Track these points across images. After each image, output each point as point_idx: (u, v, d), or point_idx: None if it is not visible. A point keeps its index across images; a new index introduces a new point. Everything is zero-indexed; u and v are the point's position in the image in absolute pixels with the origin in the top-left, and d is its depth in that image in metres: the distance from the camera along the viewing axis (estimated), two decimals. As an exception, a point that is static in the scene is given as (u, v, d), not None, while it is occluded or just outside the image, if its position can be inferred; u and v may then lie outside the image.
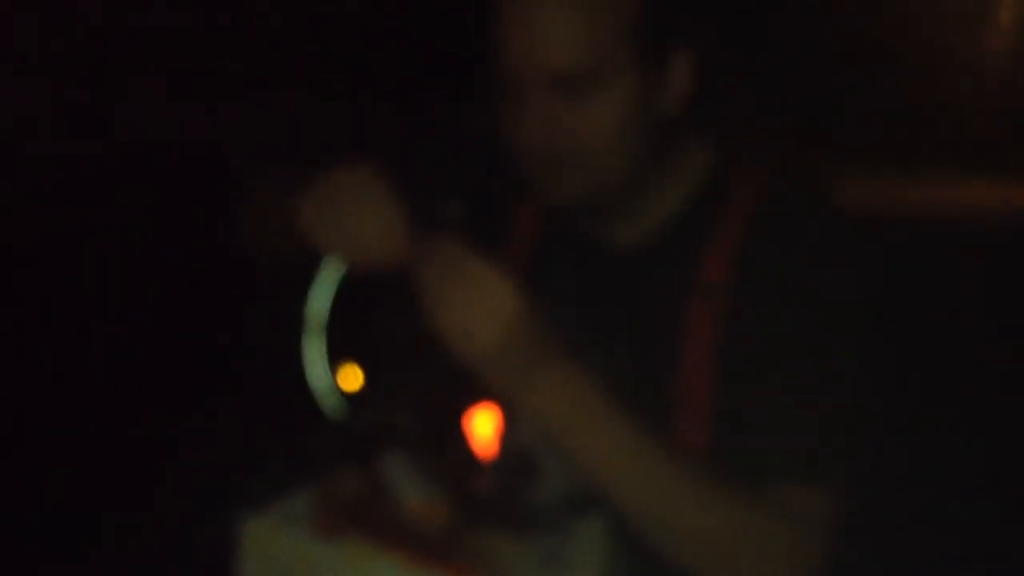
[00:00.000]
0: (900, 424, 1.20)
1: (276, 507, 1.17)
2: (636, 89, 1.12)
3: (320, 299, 1.16)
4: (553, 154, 1.13)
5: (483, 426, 1.18)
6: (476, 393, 1.18)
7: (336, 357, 1.30)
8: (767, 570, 1.08)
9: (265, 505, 1.16)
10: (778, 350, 1.11)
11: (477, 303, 0.98)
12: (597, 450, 1.05)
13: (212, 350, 3.88)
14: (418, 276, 1.02)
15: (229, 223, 1.29)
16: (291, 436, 1.18)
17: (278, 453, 1.16)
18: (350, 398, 1.26)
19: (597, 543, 1.09)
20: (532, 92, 1.11)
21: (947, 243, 5.43)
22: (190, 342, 3.95)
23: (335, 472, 1.19)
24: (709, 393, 1.15)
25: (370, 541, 1.12)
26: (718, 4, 1.33)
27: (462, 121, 1.39)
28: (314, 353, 1.24)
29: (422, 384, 1.24)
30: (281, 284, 1.17)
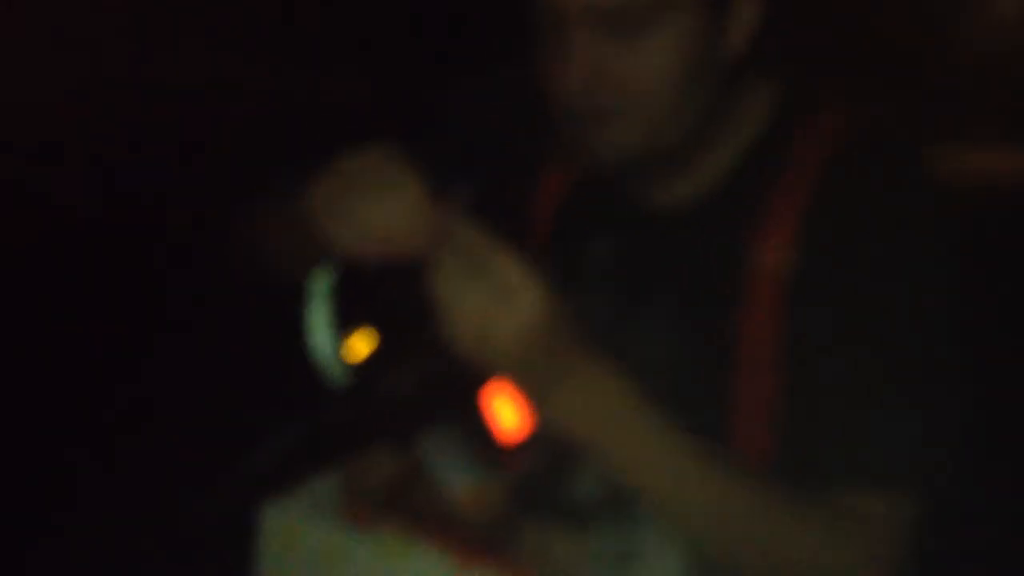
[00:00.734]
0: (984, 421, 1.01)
1: (299, 493, 1.04)
2: (698, 24, 0.95)
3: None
4: (601, 106, 0.96)
5: (503, 403, 1.05)
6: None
7: (345, 322, 1.19)
8: None
9: (287, 491, 1.02)
10: (856, 335, 0.95)
11: (495, 303, 0.83)
12: (641, 468, 0.91)
13: (216, 319, 3.76)
14: (431, 268, 0.86)
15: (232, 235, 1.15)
16: (315, 414, 1.04)
17: (299, 433, 1.02)
18: (359, 368, 1.14)
19: (669, 543, 0.94)
20: (576, 32, 0.94)
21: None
22: (191, 312, 3.83)
23: (365, 454, 1.06)
24: (772, 384, 0.98)
25: (406, 532, 0.99)
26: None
27: (485, 79, 1.23)
28: (319, 317, 1.14)
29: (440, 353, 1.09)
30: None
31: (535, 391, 0.88)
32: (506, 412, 0.99)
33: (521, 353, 0.84)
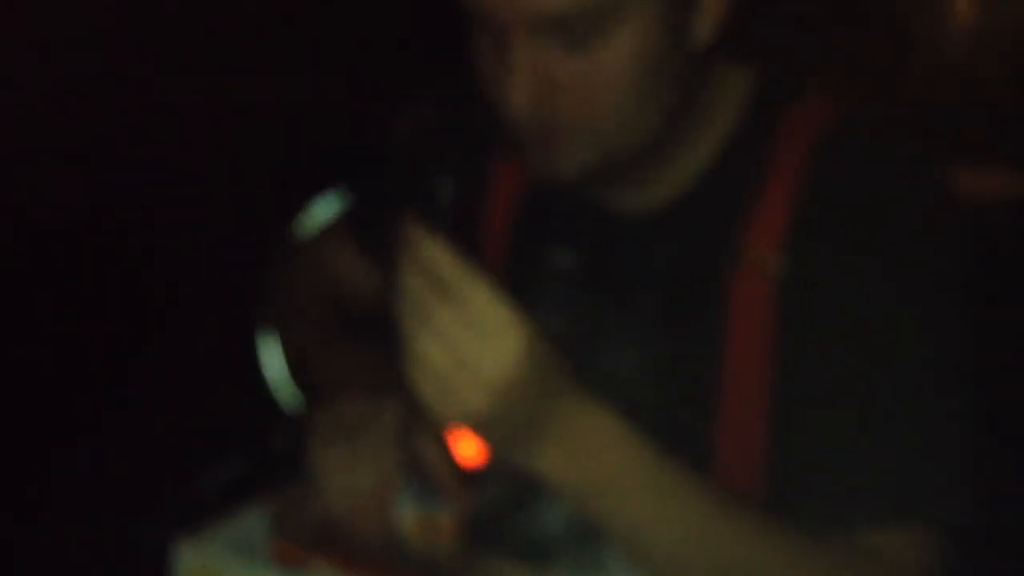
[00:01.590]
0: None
1: (218, 529, 0.91)
2: (656, 25, 0.85)
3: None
4: (552, 122, 0.87)
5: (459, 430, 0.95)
6: None
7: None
8: None
9: (206, 525, 0.90)
10: (861, 343, 0.86)
11: (465, 347, 0.72)
12: (634, 517, 0.82)
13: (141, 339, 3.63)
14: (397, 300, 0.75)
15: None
16: (241, 438, 0.94)
17: (224, 459, 0.91)
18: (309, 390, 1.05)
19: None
20: (518, 44, 0.84)
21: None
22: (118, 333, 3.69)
23: (296, 482, 0.95)
24: (761, 398, 0.89)
25: (341, 572, 0.88)
26: None
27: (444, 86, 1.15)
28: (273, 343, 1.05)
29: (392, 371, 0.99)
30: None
31: (509, 445, 0.79)
32: (462, 438, 0.90)
33: (492, 414, 0.74)
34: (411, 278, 0.73)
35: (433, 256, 0.72)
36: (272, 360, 1.02)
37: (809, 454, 0.85)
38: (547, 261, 0.99)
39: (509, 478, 0.90)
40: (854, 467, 0.84)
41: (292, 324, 1.13)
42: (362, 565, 0.88)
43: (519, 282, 0.99)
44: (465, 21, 0.91)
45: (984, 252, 0.89)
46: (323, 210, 1.22)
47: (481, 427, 0.76)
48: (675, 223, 0.96)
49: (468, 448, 0.90)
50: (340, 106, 4.63)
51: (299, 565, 0.89)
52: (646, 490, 0.80)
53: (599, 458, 0.79)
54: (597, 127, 0.88)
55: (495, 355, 0.72)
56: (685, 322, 0.93)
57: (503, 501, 0.91)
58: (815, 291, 0.87)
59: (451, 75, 1.11)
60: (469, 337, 0.72)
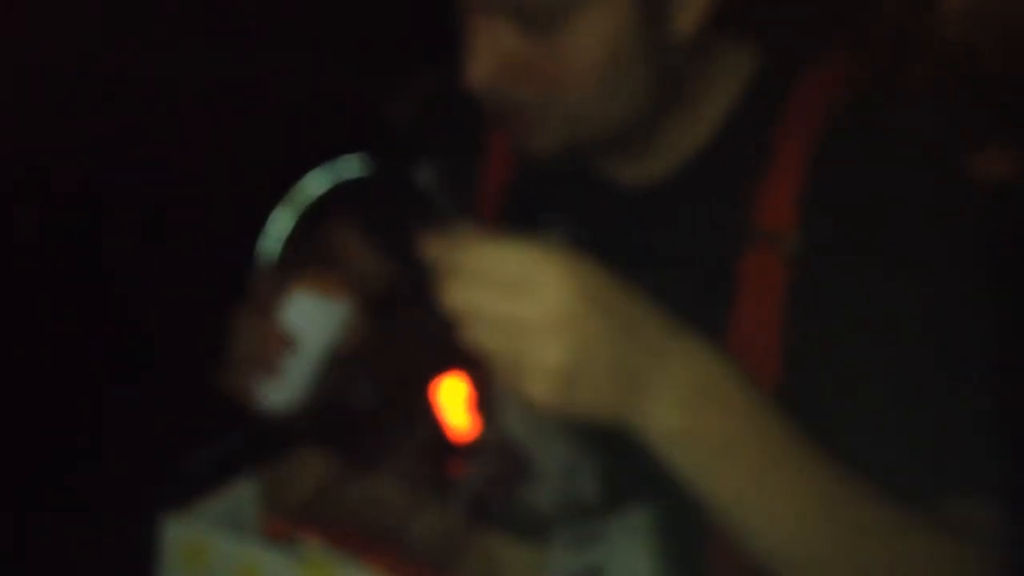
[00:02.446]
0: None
1: (207, 504, 0.90)
2: (629, 7, 0.81)
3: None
4: (517, 104, 0.85)
5: (452, 400, 0.93)
6: (446, 357, 0.94)
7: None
8: None
9: (194, 500, 0.88)
10: (877, 320, 0.82)
11: (518, 318, 0.66)
12: (764, 479, 0.72)
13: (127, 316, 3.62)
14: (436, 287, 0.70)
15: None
16: (227, 412, 0.92)
17: (211, 434, 0.89)
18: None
19: (640, 554, 0.82)
20: (480, 24, 0.83)
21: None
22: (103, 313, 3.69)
23: (285, 457, 0.93)
24: (771, 378, 0.85)
25: (331, 547, 0.85)
26: None
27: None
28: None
29: (381, 345, 0.98)
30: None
31: (613, 401, 0.68)
32: (456, 410, 0.88)
33: (572, 353, 0.65)
34: (446, 289, 0.68)
35: (447, 252, 0.69)
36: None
37: (826, 434, 0.78)
38: (542, 231, 0.96)
39: (503, 452, 0.88)
40: (884, 444, 0.79)
41: None
42: (349, 539, 0.86)
43: None
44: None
45: (991, 231, 0.86)
46: (315, 184, 1.20)
47: (574, 385, 0.66)
48: (676, 196, 0.93)
49: (461, 420, 0.89)
50: (340, 94, 4.64)
51: (287, 540, 0.87)
52: (765, 455, 0.72)
53: (719, 408, 0.70)
54: (562, 111, 0.85)
55: (545, 299, 0.66)
56: (689, 297, 0.89)
57: (497, 476, 0.89)
58: (828, 268, 0.83)
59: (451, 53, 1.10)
60: (516, 301, 0.66)
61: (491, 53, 0.83)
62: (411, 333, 0.95)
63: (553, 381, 0.65)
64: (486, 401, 0.88)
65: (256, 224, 0.99)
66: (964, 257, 0.84)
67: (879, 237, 0.83)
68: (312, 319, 0.90)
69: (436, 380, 0.91)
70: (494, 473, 0.89)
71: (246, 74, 5.30)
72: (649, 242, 0.93)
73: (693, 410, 0.69)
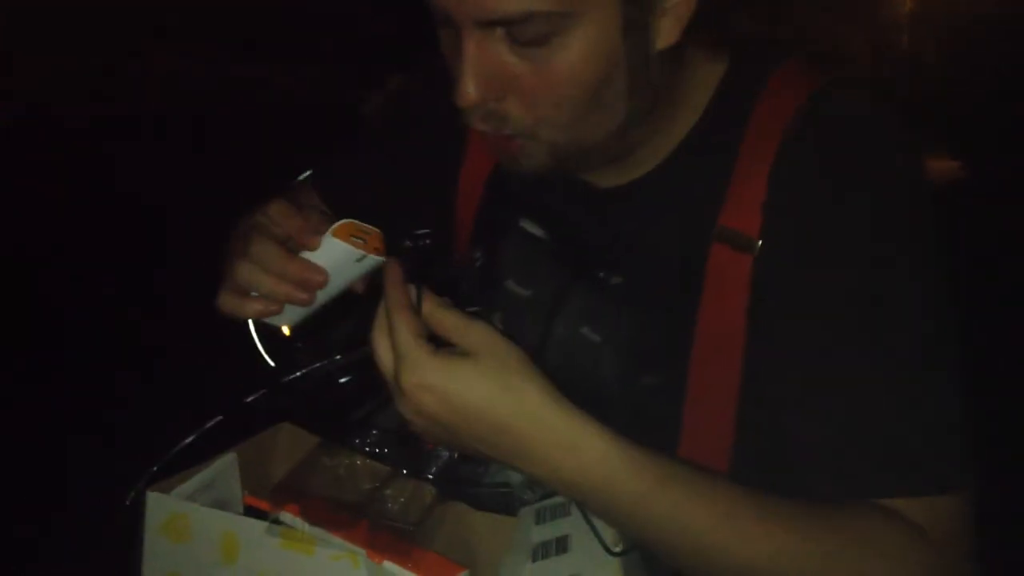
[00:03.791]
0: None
1: (188, 476, 0.91)
2: (616, 23, 0.83)
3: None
4: (506, 122, 0.87)
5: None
6: None
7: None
8: None
9: (175, 472, 0.90)
10: (840, 315, 0.84)
11: (398, 386, 0.80)
12: (650, 534, 0.80)
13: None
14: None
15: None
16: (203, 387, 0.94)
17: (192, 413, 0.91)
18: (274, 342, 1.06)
19: (604, 525, 0.86)
20: (467, 39, 0.83)
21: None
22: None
23: (262, 433, 0.96)
24: (734, 374, 0.88)
25: (310, 519, 0.88)
26: None
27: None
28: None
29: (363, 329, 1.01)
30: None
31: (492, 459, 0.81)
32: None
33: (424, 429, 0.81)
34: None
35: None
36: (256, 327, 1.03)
37: (793, 431, 0.84)
38: (516, 227, 1.00)
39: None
40: (847, 441, 0.82)
41: None
42: (325, 513, 0.89)
43: (488, 247, 1.01)
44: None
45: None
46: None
47: (435, 438, 0.84)
48: (648, 198, 0.96)
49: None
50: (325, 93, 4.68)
51: (266, 514, 0.90)
52: (647, 506, 0.77)
53: (589, 476, 0.77)
54: (548, 131, 0.87)
55: (415, 386, 0.78)
56: (655, 295, 0.93)
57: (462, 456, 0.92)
58: (790, 265, 0.86)
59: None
60: (401, 367, 0.79)
61: (482, 69, 0.83)
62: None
63: (417, 427, 0.81)
64: None
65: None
66: (918, 253, 0.86)
67: (837, 236, 0.85)
68: (341, 268, 0.91)
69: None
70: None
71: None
72: (621, 240, 0.96)
73: (564, 479, 0.78)
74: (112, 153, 5.07)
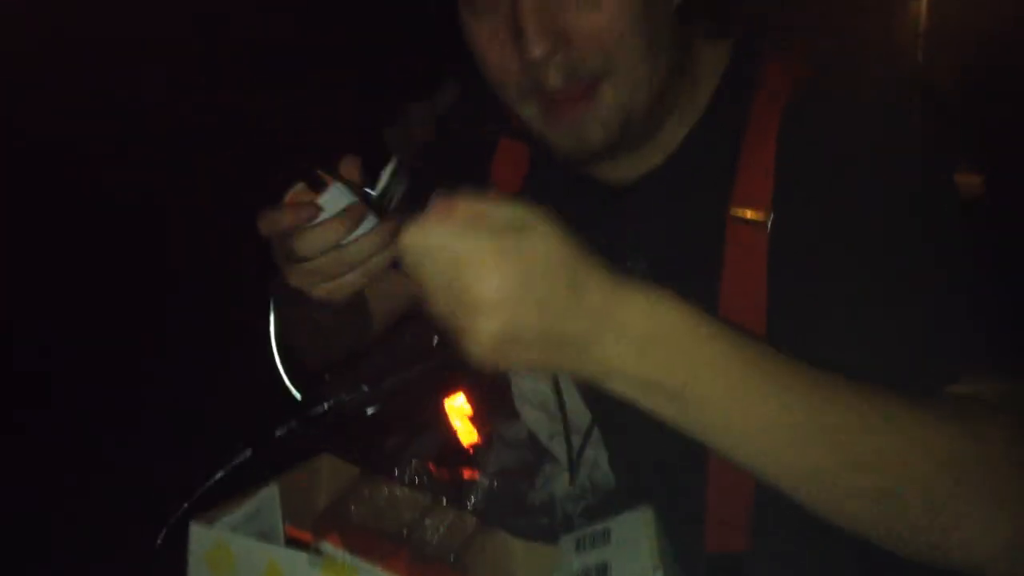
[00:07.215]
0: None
1: (231, 507, 0.92)
2: None
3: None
4: (574, 69, 0.89)
5: (457, 411, 0.98)
6: (453, 373, 0.98)
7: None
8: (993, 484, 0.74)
9: (217, 506, 0.92)
10: (861, 254, 0.85)
11: (465, 300, 0.71)
12: (730, 421, 0.73)
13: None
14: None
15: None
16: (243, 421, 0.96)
17: (231, 442, 0.93)
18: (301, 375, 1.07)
19: (643, 553, 0.87)
20: (528, 1, 0.87)
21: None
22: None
23: (304, 464, 0.97)
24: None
25: (354, 549, 0.89)
26: None
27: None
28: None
29: (390, 360, 1.02)
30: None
31: (565, 355, 0.72)
32: (464, 418, 0.93)
33: (514, 317, 0.69)
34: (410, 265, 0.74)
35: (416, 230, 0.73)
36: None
37: (837, 361, 0.77)
38: None
39: (512, 456, 0.93)
40: (899, 342, 0.82)
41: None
42: (367, 542, 0.90)
43: None
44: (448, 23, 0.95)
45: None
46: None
47: (507, 350, 0.71)
48: (658, 189, 1.00)
49: (467, 426, 0.93)
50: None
51: (308, 544, 0.91)
52: (731, 381, 0.72)
53: (672, 346, 0.72)
54: (625, 73, 0.90)
55: (485, 280, 0.70)
56: (681, 276, 0.88)
57: (507, 479, 0.93)
58: (806, 233, 0.88)
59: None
60: (462, 279, 0.71)
61: (543, 17, 0.87)
62: (417, 345, 1.00)
63: (487, 347, 0.71)
64: (495, 407, 0.93)
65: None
66: (929, 170, 0.89)
67: (844, 187, 0.87)
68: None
69: (444, 389, 0.96)
70: (504, 475, 0.94)
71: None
72: (638, 231, 0.99)
73: (645, 356, 0.71)
74: (99, 175, 5.10)
